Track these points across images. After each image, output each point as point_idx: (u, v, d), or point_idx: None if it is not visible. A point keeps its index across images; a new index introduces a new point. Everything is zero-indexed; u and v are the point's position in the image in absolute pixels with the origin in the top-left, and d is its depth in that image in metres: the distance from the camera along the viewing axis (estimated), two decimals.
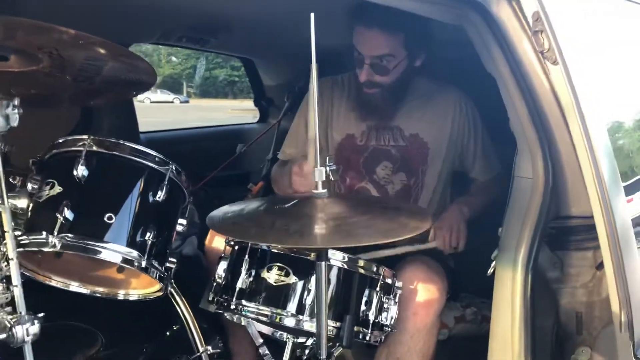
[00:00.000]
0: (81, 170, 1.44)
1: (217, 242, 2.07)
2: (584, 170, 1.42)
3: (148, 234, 1.49)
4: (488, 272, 1.73)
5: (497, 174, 2.26)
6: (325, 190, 1.33)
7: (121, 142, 1.51)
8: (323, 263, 1.33)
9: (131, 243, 1.48)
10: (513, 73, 1.54)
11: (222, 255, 1.74)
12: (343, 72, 2.28)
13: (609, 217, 1.41)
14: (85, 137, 1.49)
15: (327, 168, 1.32)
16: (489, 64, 1.60)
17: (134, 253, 1.47)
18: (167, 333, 1.94)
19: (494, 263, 1.71)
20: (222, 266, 1.71)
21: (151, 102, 18.22)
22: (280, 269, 1.62)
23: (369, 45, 1.98)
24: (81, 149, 1.47)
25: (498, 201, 2.20)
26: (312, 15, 1.26)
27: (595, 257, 1.66)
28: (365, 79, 2.03)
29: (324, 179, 1.32)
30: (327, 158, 1.34)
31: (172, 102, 22.85)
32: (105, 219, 1.45)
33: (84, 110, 2.81)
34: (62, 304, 1.67)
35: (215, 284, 1.72)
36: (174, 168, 1.56)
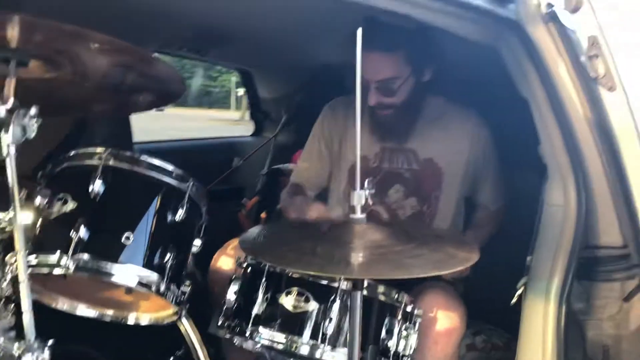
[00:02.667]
0: (98, 186, 1.33)
1: (223, 262, 1.97)
2: None
3: (167, 255, 1.39)
4: (512, 301, 1.67)
5: (504, 204, 2.22)
6: (364, 216, 1.25)
7: (139, 156, 1.41)
8: (359, 293, 1.25)
9: (148, 264, 1.38)
10: (549, 97, 1.50)
11: (234, 276, 1.65)
12: (344, 92, 2.21)
13: None
14: (101, 150, 1.39)
15: (366, 192, 1.25)
16: (523, 87, 1.55)
17: (153, 276, 1.37)
18: (171, 358, 1.83)
19: (518, 292, 1.66)
20: (233, 289, 1.62)
21: None
22: (299, 294, 1.54)
23: (372, 70, 1.90)
24: (97, 162, 1.37)
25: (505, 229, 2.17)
26: (359, 30, 1.19)
27: (623, 289, 1.61)
28: (375, 102, 1.96)
29: (363, 203, 1.24)
30: (366, 181, 1.26)
31: None
32: (123, 239, 1.35)
33: (76, 118, 2.68)
34: (58, 324, 1.56)
35: (225, 307, 1.63)
36: (193, 185, 1.47)
